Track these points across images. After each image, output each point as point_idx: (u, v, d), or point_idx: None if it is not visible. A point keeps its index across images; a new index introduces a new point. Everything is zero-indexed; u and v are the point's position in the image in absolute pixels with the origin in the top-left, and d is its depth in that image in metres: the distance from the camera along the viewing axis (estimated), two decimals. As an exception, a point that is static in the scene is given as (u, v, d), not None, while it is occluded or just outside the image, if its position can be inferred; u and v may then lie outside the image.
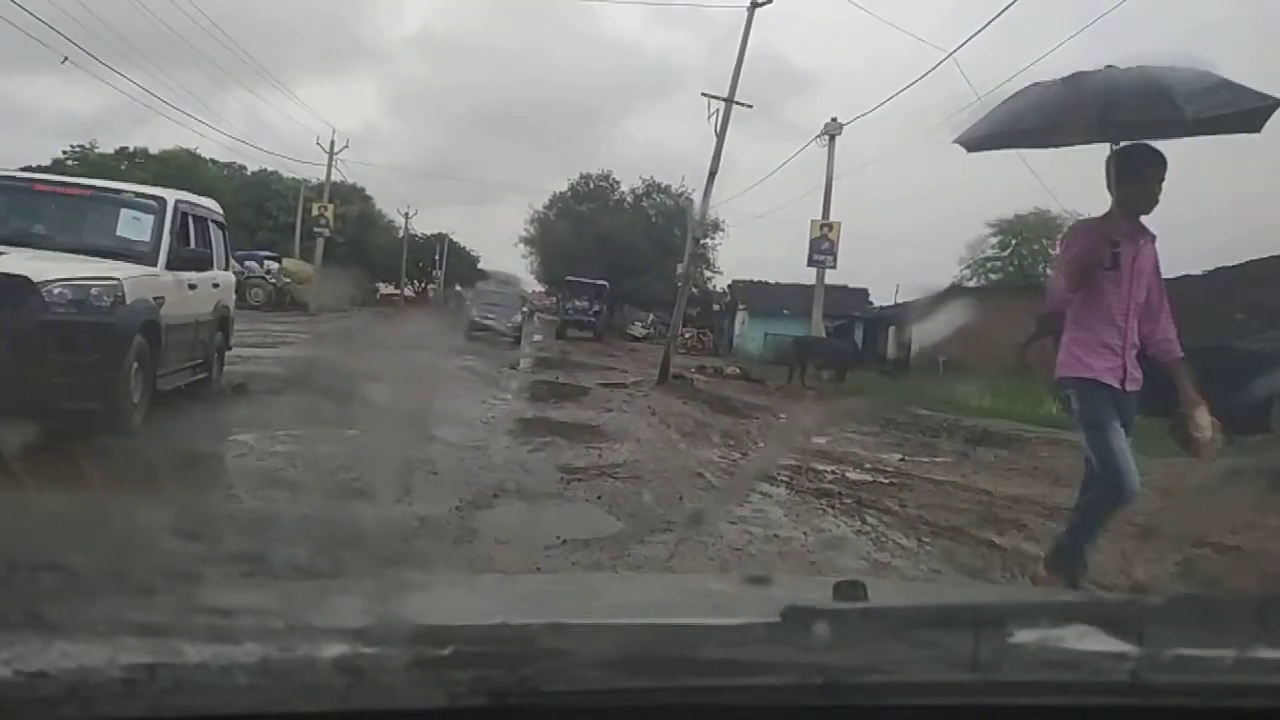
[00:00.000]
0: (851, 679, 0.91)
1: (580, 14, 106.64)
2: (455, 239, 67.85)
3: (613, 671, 0.90)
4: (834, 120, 26.08)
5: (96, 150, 49.66)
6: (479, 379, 14.47)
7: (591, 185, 48.28)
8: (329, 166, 37.24)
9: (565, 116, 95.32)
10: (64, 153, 50.71)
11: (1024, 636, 0.99)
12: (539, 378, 16.52)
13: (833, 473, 8.45)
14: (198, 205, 8.47)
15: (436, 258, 61.76)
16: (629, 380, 17.10)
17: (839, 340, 27.07)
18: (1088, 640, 1.00)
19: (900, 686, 0.93)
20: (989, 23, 22.40)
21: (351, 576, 1.75)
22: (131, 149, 50.40)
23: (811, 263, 26.26)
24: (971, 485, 8.34)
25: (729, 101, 15.77)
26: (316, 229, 35.67)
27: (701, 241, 46.16)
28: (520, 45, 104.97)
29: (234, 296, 9.94)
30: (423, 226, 65.58)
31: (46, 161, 49.33)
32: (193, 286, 7.66)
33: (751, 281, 35.89)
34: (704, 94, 15.95)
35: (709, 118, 15.79)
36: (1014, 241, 36.74)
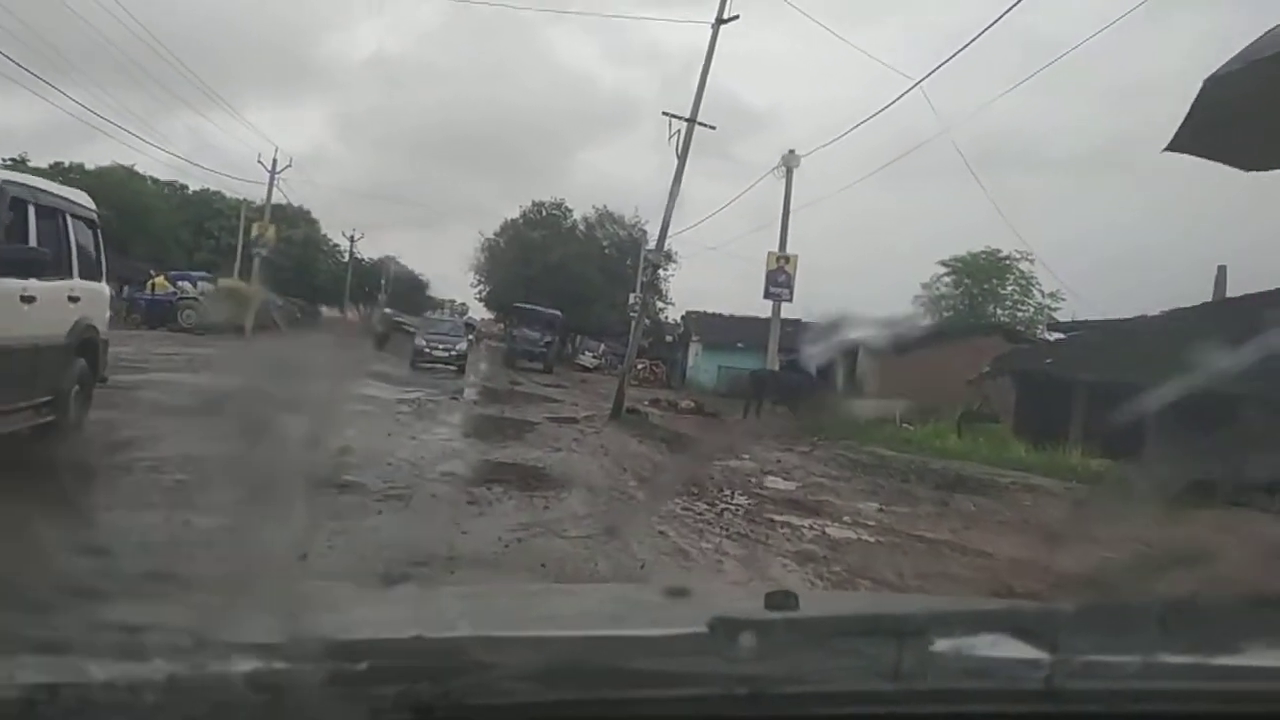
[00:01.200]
0: (776, 689, 0.91)
1: (538, 42, 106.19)
2: (403, 263, 66.22)
3: (539, 684, 0.88)
4: (791, 152, 25.41)
5: (29, 164, 47.64)
6: (413, 411, 13.10)
7: (544, 213, 47.11)
8: (269, 185, 35.56)
9: (519, 144, 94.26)
10: (-6, 167, 48.37)
11: (944, 645, 1.02)
12: (483, 411, 15.18)
13: (811, 529, 7.34)
14: (45, 193, 6.51)
15: (382, 281, 59.97)
16: (580, 414, 15.85)
17: (795, 374, 26.28)
18: (1004, 648, 1.03)
19: (824, 696, 0.93)
20: (958, 52, 21.87)
21: (262, 592, 1.45)
22: (67, 164, 48.38)
23: (768, 295, 25.40)
24: (967, 545, 7.29)
25: (691, 121, 14.82)
26: (255, 249, 33.86)
27: (657, 270, 45.67)
28: (474, 72, 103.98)
29: (107, 314, 7.82)
30: (371, 250, 63.82)
31: None
32: (28, 299, 5.81)
33: (705, 313, 34.91)
34: (665, 113, 15.04)
35: (669, 138, 14.86)
36: (966, 281, 36.54)
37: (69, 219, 6.69)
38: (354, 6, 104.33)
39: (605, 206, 47.31)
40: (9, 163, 47.81)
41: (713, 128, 16.20)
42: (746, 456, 12.75)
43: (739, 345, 29.96)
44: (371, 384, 18.03)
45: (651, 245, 44.38)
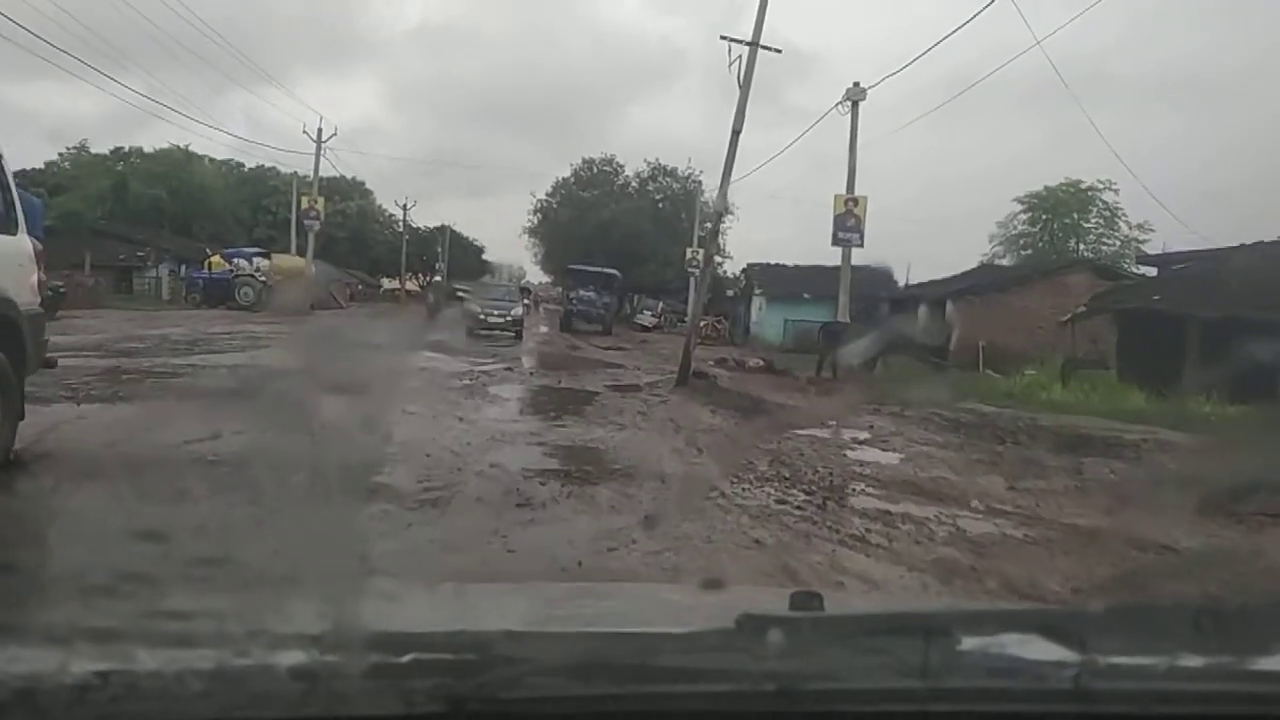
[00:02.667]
0: (803, 686, 0.91)
1: (580, 2, 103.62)
2: (459, 230, 65.48)
3: (569, 679, 0.89)
4: (856, 85, 23.30)
5: (90, 150, 47.84)
6: (465, 386, 11.87)
7: (595, 170, 45.50)
8: (317, 156, 34.57)
9: (567, 105, 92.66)
10: (59, 155, 48.98)
11: (971, 644, 1.01)
12: (539, 381, 13.87)
13: (939, 522, 5.84)
14: None
15: (439, 250, 59.24)
16: (643, 380, 14.46)
17: (869, 325, 24.42)
18: (1032, 648, 1.00)
19: (851, 693, 0.93)
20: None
21: (311, 583, 1.57)
22: (126, 148, 48.50)
23: (836, 241, 23.46)
24: (1141, 538, 5.70)
25: (754, 45, 13.04)
26: (307, 221, 33.03)
27: (721, 217, 43.53)
28: (519, 34, 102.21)
29: (34, 277, 5.83)
30: (425, 219, 63.27)
31: (40, 165, 47.61)
32: None
33: (768, 264, 32.98)
34: (723, 37, 13.27)
35: (729, 65, 13.10)
36: (1045, 217, 33.95)
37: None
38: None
39: (658, 159, 45.52)
40: (73, 149, 48.42)
41: (778, 51, 14.38)
42: (833, 422, 11.24)
43: (805, 297, 28.19)
44: (425, 356, 16.95)
45: (708, 196, 42.81)
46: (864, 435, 9.90)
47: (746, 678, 0.89)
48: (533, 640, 0.98)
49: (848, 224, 23.73)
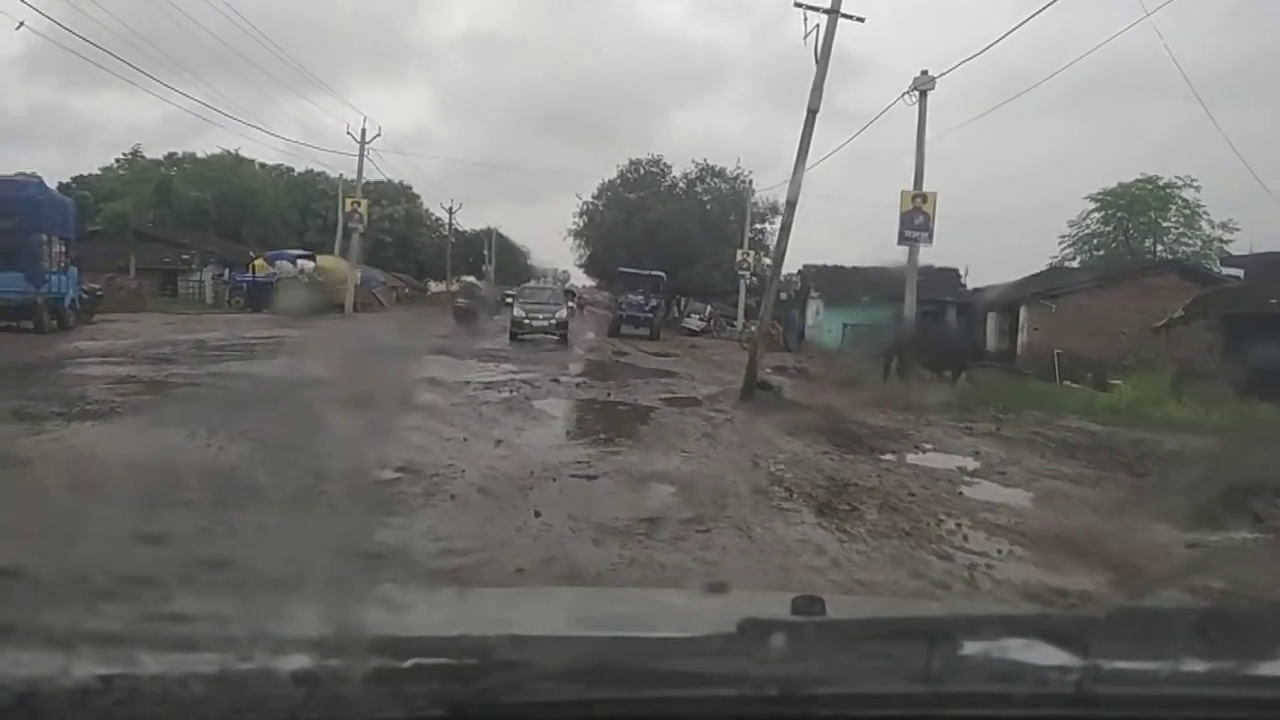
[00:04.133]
0: (806, 690, 0.89)
1: (625, 7, 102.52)
2: (504, 234, 64.67)
3: (571, 683, 0.88)
4: (924, 73, 21.51)
5: (144, 156, 48.00)
6: (504, 400, 10.45)
7: (641, 171, 43.95)
8: (360, 158, 33.61)
9: (613, 109, 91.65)
10: (115, 161, 49.43)
11: (974, 649, 0.99)
12: (585, 395, 12.39)
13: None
14: None
15: (485, 253, 58.37)
16: (701, 393, 12.90)
17: (944, 329, 22.57)
18: (1034, 653, 0.99)
19: (854, 698, 0.91)
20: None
21: (314, 587, 1.44)
22: (179, 154, 48.55)
23: (903, 240, 21.64)
24: None
25: (833, 14, 11.41)
26: (350, 224, 32.12)
27: (791, 206, 41.56)
28: (566, 40, 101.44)
29: None
30: (472, 223, 62.61)
31: (98, 170, 48.23)
32: None
33: (824, 266, 31.10)
34: (797, 4, 11.61)
35: (805, 37, 11.48)
36: (1119, 215, 31.63)
37: None
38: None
39: (705, 160, 43.85)
40: (128, 155, 48.68)
41: (861, 19, 12.66)
42: (929, 446, 9.57)
43: (864, 299, 26.30)
44: (461, 364, 15.62)
45: (759, 196, 41.04)
46: (972, 464, 8.24)
47: (749, 682, 0.88)
48: (534, 645, 0.96)
49: (915, 221, 21.91)
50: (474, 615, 1.36)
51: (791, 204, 10.93)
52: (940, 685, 0.91)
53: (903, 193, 22.08)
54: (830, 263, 31.04)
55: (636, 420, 9.62)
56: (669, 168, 43.93)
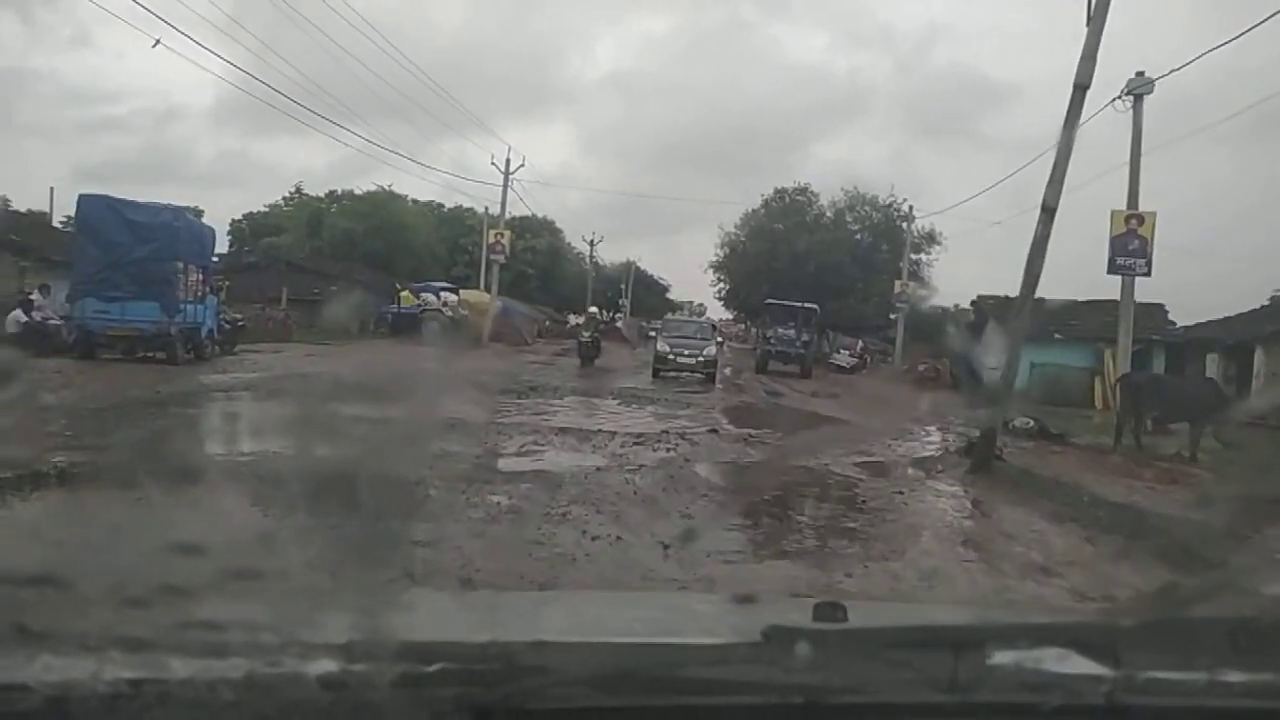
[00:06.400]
0: (832, 699, 0.88)
1: (766, 41, 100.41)
2: (642, 267, 63.24)
3: (596, 689, 0.87)
4: (1141, 75, 17.99)
5: (306, 193, 49.60)
6: (661, 462, 7.99)
7: (787, 200, 41.21)
8: (505, 187, 32.55)
9: (752, 142, 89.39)
10: (282, 199, 51.35)
11: (1002, 658, 0.95)
12: (757, 451, 9.75)
13: None
14: None
15: (623, 286, 56.92)
16: (900, 454, 10.02)
17: (1189, 379, 18.63)
18: (1064, 662, 0.95)
19: (880, 707, 0.90)
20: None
21: (343, 592, 1.40)
22: (339, 191, 49.82)
23: (1114, 269, 17.94)
24: None
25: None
26: (492, 256, 31.02)
27: (921, 252, 38.18)
28: (707, 76, 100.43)
29: None
30: (613, 256, 61.50)
31: (264, 207, 50.29)
32: None
33: (1005, 298, 27.26)
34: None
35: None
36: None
37: None
38: (588, 28, 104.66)
39: (855, 187, 40.65)
40: (293, 194, 50.45)
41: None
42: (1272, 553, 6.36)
43: (1056, 336, 22.49)
44: (602, 406, 13.33)
45: (919, 223, 37.42)
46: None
47: (774, 690, 0.87)
48: (559, 650, 0.93)
49: (1129, 247, 18.12)
50: (499, 620, 1.30)
51: (1050, 211, 8.04)
52: (967, 695, 0.87)
53: (1113, 212, 18.37)
54: (1007, 294, 27.11)
55: (844, 503, 6.92)
56: (816, 196, 41.07)
